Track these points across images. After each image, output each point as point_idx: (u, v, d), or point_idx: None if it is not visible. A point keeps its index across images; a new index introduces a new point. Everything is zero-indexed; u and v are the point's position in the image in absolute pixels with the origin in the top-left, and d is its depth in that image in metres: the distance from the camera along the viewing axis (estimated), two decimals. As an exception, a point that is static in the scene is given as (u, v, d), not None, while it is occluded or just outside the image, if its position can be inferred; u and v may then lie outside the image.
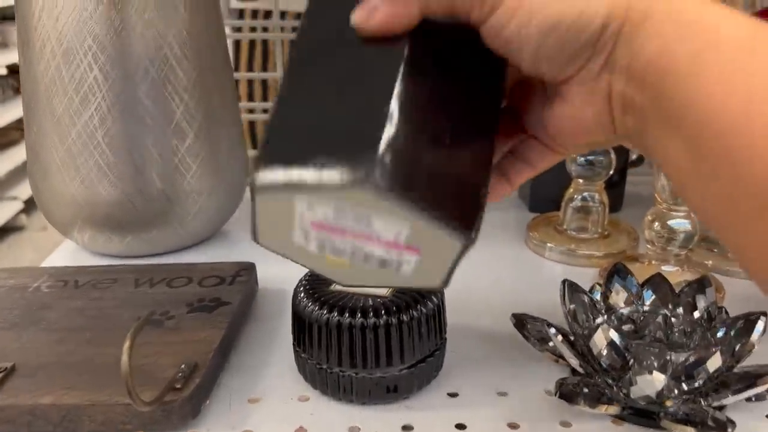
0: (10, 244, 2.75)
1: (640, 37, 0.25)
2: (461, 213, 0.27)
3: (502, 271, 0.60)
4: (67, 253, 0.64)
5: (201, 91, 0.58)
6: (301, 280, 0.44)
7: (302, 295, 0.42)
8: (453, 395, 0.43)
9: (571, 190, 0.64)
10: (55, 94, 0.54)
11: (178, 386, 0.39)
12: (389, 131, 0.25)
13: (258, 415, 0.41)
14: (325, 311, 0.40)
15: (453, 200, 0.27)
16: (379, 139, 0.24)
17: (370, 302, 0.40)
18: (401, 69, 0.26)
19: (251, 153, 0.88)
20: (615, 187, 0.73)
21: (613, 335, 0.39)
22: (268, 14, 0.94)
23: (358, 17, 0.27)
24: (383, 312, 0.40)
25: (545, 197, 0.71)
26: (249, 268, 0.54)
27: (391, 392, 0.41)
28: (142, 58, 0.54)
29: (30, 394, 0.39)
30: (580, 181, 0.62)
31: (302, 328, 0.42)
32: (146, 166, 0.56)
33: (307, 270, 0.45)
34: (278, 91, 0.28)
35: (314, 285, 0.43)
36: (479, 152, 0.30)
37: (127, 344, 0.35)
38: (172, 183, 0.57)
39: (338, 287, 0.43)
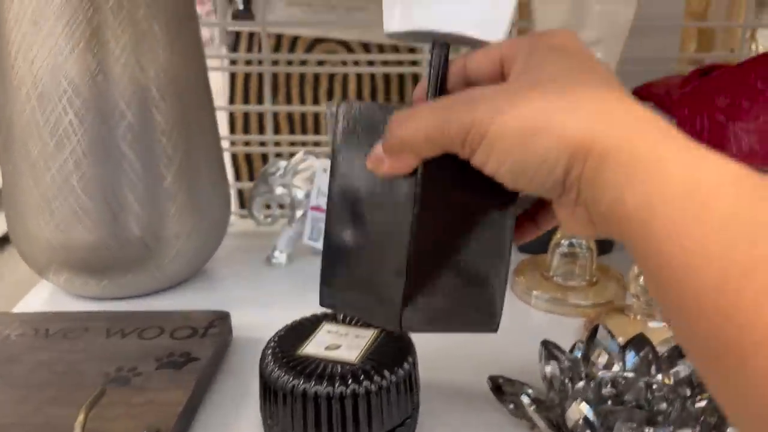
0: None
1: (597, 186, 0.26)
2: (480, 318, 0.36)
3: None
4: (44, 293, 0.63)
5: (180, 132, 0.57)
6: (270, 341, 0.43)
7: (270, 358, 0.41)
8: (424, 464, 0.41)
9: (558, 235, 0.62)
10: (30, 137, 0.54)
11: None
12: (406, 290, 0.33)
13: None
14: (291, 377, 0.39)
15: (470, 312, 0.35)
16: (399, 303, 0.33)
17: (338, 369, 0.39)
18: (412, 224, 0.32)
19: (247, 185, 0.87)
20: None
21: (587, 411, 0.38)
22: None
23: (369, 165, 0.33)
24: (350, 380, 0.39)
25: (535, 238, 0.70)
26: (224, 317, 0.53)
27: (360, 462, 0.40)
28: (118, 102, 0.53)
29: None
30: (567, 227, 0.61)
31: (268, 395, 0.40)
32: (123, 210, 0.55)
33: (277, 329, 0.44)
34: (324, 231, 0.37)
35: (283, 347, 0.42)
36: (491, 265, 0.35)
37: (79, 418, 0.34)
38: (149, 227, 0.56)
39: (306, 351, 0.41)
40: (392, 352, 0.41)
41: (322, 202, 0.65)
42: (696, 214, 0.23)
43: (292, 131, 0.96)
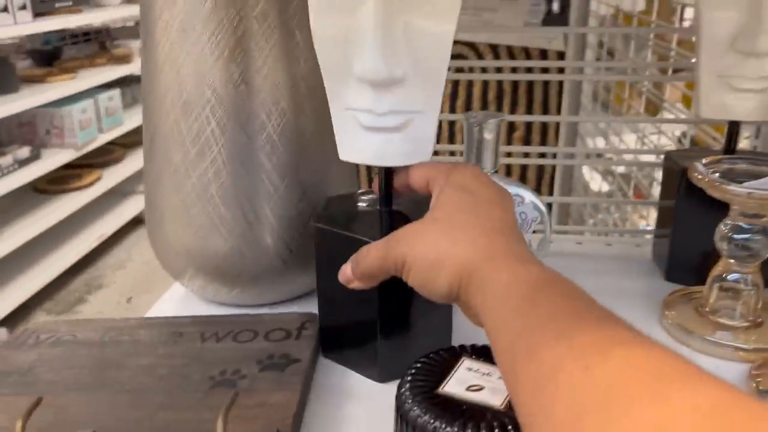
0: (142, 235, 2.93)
1: (470, 294, 0.38)
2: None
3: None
4: (176, 297, 0.64)
5: (318, 143, 0.56)
6: (407, 373, 0.40)
7: (407, 393, 0.39)
8: None
9: (719, 267, 0.56)
10: (173, 144, 0.54)
11: None
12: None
13: None
14: (433, 418, 0.36)
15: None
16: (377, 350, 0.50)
17: (482, 415, 0.36)
18: (378, 309, 0.49)
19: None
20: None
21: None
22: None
23: (342, 280, 0.45)
24: (496, 427, 0.35)
25: (687, 265, 0.63)
26: (313, 319, 0.54)
27: None
28: (258, 112, 0.53)
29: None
30: (732, 261, 0.55)
31: (404, 430, 0.38)
32: (258, 221, 0.55)
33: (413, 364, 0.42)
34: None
35: (422, 382, 0.39)
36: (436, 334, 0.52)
37: (218, 423, 0.34)
38: (283, 239, 0.56)
39: (447, 390, 0.39)
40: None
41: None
42: (499, 305, 0.35)
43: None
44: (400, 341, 0.50)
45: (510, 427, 0.36)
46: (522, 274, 0.36)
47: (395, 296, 0.48)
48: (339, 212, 0.53)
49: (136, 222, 2.98)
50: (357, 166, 0.60)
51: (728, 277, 0.55)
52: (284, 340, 0.51)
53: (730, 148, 0.61)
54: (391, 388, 0.42)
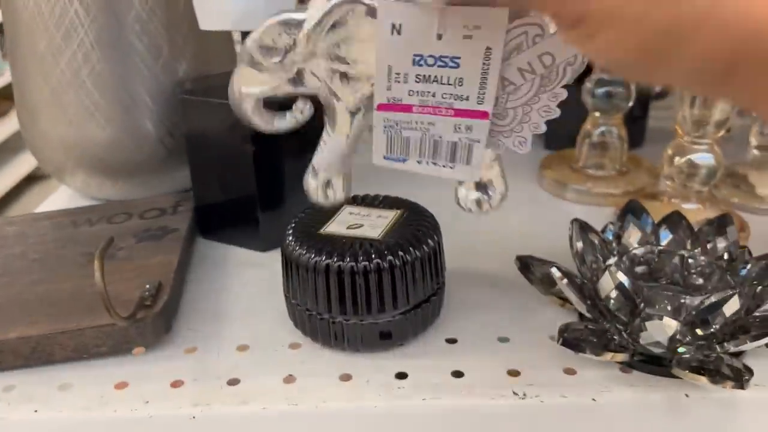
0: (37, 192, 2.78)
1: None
2: None
3: (511, 212, 0.56)
4: (60, 201, 0.62)
5: (192, 22, 0.54)
6: (291, 222, 0.42)
7: (291, 237, 0.40)
8: (451, 341, 0.40)
9: (587, 125, 0.60)
10: (36, 30, 0.52)
11: (148, 303, 0.39)
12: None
13: (246, 364, 0.39)
14: (313, 254, 0.38)
15: None
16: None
17: (360, 245, 0.38)
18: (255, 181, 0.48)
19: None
20: (636, 122, 0.68)
21: (622, 277, 0.36)
22: None
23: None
24: (374, 255, 0.37)
25: (561, 133, 0.67)
26: (189, 198, 0.54)
27: (385, 339, 0.39)
28: (124, -10, 0.51)
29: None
30: (597, 114, 0.58)
31: (290, 273, 0.39)
32: (135, 106, 0.53)
33: (297, 215, 0.43)
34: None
35: (305, 227, 0.40)
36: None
37: (96, 262, 0.35)
38: (163, 124, 0.55)
39: (328, 230, 0.40)
40: (416, 231, 0.40)
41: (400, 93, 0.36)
42: None
43: None
44: (279, 209, 0.50)
45: (386, 251, 0.37)
46: None
47: (271, 164, 0.48)
48: (209, 84, 0.51)
49: (30, 179, 2.82)
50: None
51: (596, 131, 0.59)
52: (160, 217, 0.51)
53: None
54: (275, 254, 0.43)
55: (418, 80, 0.32)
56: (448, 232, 0.42)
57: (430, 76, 0.32)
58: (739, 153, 0.62)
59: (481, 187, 0.36)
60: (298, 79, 0.34)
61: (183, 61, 0.55)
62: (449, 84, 0.32)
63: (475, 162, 0.34)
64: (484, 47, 0.31)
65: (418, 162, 0.35)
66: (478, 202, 0.37)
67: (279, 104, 0.37)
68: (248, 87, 0.35)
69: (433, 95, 0.33)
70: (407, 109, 0.33)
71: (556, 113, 0.33)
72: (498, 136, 0.34)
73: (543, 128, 0.33)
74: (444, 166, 0.35)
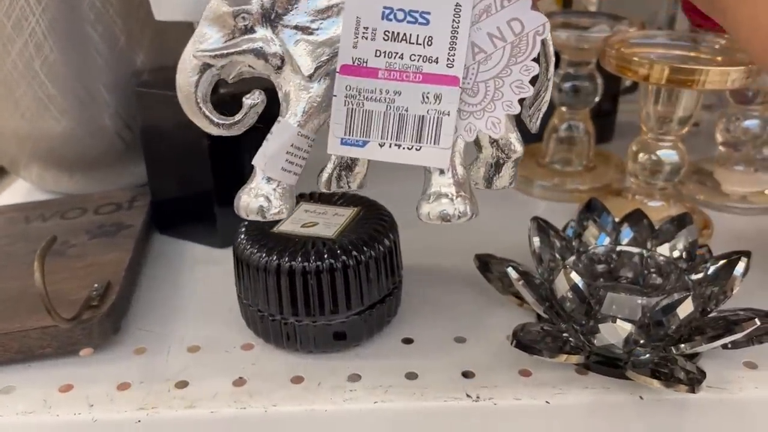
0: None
1: None
2: None
3: (476, 207, 0.56)
4: (22, 191, 0.61)
5: (149, 10, 0.53)
6: (243, 221, 0.41)
7: (243, 236, 0.39)
8: (407, 342, 0.40)
9: (554, 119, 0.59)
10: (-15, 19, 0.50)
11: (95, 303, 0.38)
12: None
13: (196, 365, 0.38)
14: (264, 254, 0.37)
15: None
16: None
17: (313, 245, 0.37)
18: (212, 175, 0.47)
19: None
20: (605, 117, 0.68)
21: (576, 278, 0.36)
22: None
23: None
24: (327, 255, 0.36)
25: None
26: (144, 193, 0.53)
27: (340, 340, 0.38)
28: (77, -23, 0.49)
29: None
30: (564, 109, 0.58)
31: (242, 272, 0.38)
32: (91, 98, 0.52)
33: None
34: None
35: (257, 226, 0.39)
36: None
37: (36, 263, 0.33)
38: (119, 117, 0.53)
39: (282, 229, 0.39)
40: (372, 230, 0.39)
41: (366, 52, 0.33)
42: None
43: None
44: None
45: (339, 251, 0.37)
46: None
47: (228, 158, 0.47)
48: (167, 75, 0.50)
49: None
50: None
51: (562, 126, 0.58)
52: (115, 212, 0.50)
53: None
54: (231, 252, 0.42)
55: (386, 38, 0.31)
56: (409, 228, 0.41)
57: (399, 33, 0.31)
58: (706, 148, 0.62)
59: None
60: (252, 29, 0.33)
61: (140, 51, 0.53)
62: (418, 44, 0.31)
63: (443, 143, 0.32)
64: (453, 2, 0.30)
65: (380, 145, 0.32)
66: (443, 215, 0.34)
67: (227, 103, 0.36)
68: (202, 45, 0.34)
69: (401, 57, 0.31)
70: (372, 73, 0.31)
71: (530, 90, 0.31)
72: (470, 117, 0.32)
73: (516, 108, 0.32)
74: (410, 149, 0.32)
